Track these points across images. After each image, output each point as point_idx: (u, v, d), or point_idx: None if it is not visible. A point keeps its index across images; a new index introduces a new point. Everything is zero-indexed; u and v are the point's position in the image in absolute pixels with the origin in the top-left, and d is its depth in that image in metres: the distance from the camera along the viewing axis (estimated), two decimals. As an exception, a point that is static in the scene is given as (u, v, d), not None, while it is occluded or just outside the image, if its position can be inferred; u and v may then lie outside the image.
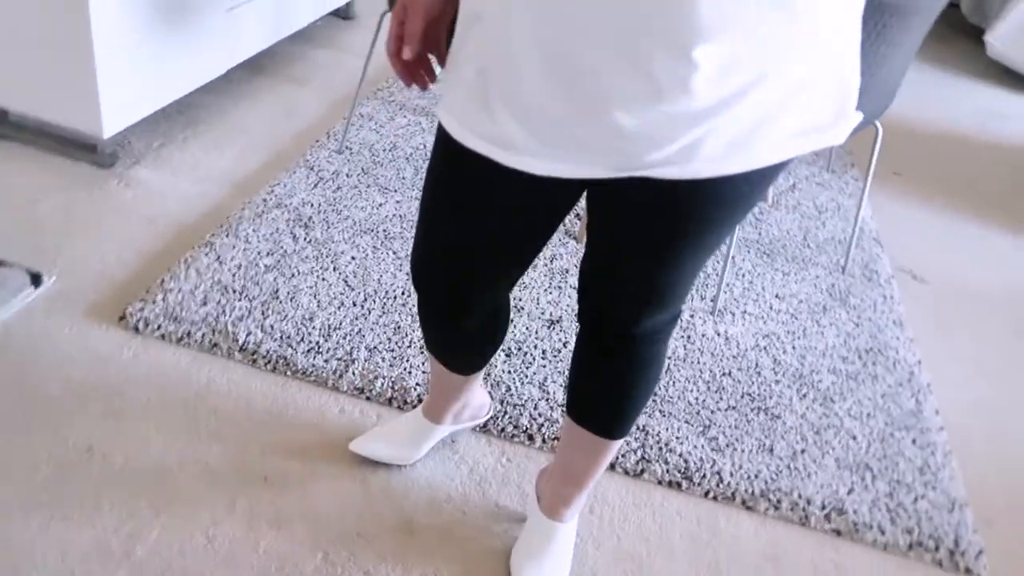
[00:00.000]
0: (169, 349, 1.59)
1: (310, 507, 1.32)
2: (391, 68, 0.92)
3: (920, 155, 3.13)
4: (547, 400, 1.60)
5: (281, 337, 1.63)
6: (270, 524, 1.29)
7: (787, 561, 1.39)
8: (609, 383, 1.11)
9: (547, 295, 1.90)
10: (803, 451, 1.60)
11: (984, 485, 1.63)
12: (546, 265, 2.00)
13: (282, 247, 1.90)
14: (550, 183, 0.88)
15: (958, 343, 2.06)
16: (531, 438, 1.52)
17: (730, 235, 0.91)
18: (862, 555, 1.43)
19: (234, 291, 1.73)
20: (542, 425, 1.54)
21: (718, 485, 1.49)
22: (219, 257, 1.83)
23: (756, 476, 1.52)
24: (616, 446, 1.19)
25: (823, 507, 1.48)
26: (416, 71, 0.93)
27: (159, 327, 1.61)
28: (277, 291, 1.76)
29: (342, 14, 3.37)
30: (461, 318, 1.09)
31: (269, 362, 1.58)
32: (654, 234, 0.92)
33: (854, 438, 1.65)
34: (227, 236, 1.90)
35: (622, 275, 0.98)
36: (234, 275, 1.78)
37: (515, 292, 1.88)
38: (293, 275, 1.81)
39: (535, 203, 0.95)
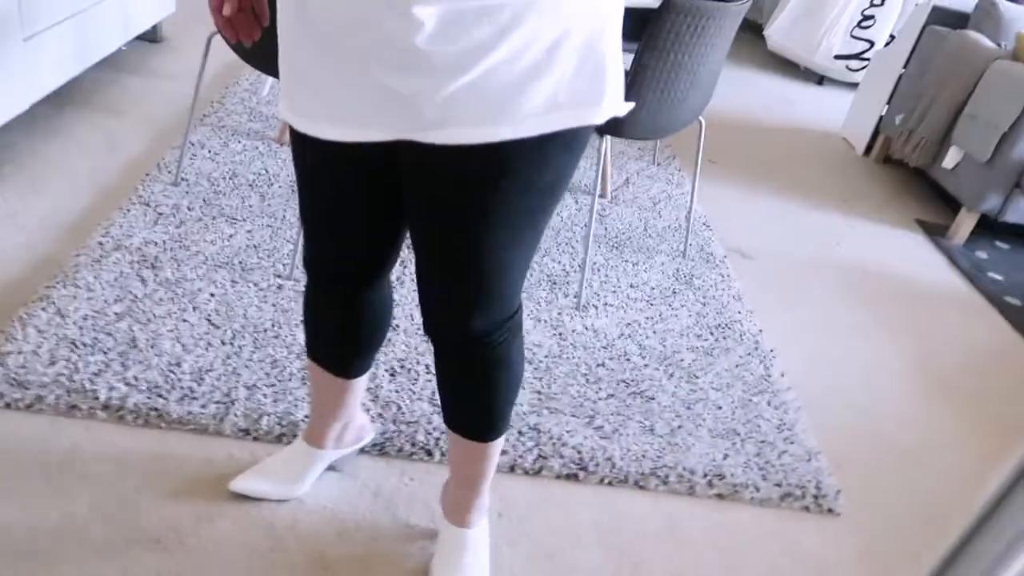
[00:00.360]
0: (18, 418, 1.44)
1: (215, 563, 1.25)
2: (216, 26, 0.95)
3: (727, 143, 3.44)
4: (439, 414, 1.61)
5: (148, 388, 1.53)
6: (173, 587, 1.21)
7: (683, 529, 1.50)
8: (460, 390, 1.15)
9: (419, 310, 1.91)
10: (680, 427, 1.72)
11: (831, 432, 1.84)
12: (412, 281, 2.01)
13: (131, 292, 1.77)
14: (360, 150, 0.97)
15: (790, 309, 2.30)
16: (429, 453, 1.53)
17: (531, 227, 0.96)
18: (744, 512, 1.57)
19: (85, 345, 1.60)
20: (438, 439, 1.55)
21: (611, 471, 1.57)
22: (59, 310, 1.67)
23: (643, 456, 1.62)
24: (492, 448, 1.21)
25: (705, 475, 1.61)
26: (239, 26, 0.97)
27: (1, 396, 1.45)
28: (134, 339, 1.64)
29: (149, 37, 3.18)
30: (349, 303, 1.17)
31: (139, 416, 1.47)
32: (447, 206, 0.95)
33: (720, 408, 1.80)
34: (65, 287, 1.74)
35: (434, 263, 1.02)
36: (81, 328, 1.64)
37: (388, 311, 1.87)
38: (149, 320, 1.70)
39: (359, 172, 1.02)
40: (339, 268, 1.14)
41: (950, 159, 3.02)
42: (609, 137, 2.13)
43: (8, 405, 1.45)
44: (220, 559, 1.26)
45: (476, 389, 1.14)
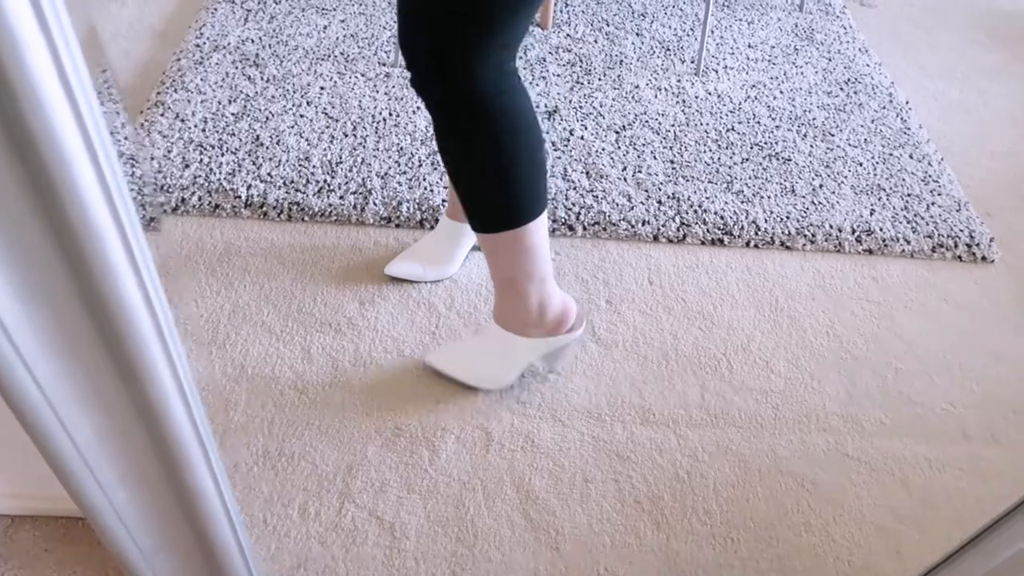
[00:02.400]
0: (168, 222, 1.45)
1: (387, 339, 1.29)
2: None
3: None
4: (575, 189, 1.57)
5: (284, 183, 1.52)
6: (353, 364, 1.26)
7: (834, 285, 1.48)
8: (445, 161, 1.02)
9: (534, 88, 1.81)
10: (821, 186, 1.65)
11: (976, 181, 1.74)
12: (521, 58, 1.90)
13: (242, 91, 1.72)
14: None
15: (919, 57, 2.12)
16: (572, 228, 1.51)
17: None
18: (894, 265, 1.53)
19: (212, 147, 1.58)
20: (579, 213, 1.52)
21: (756, 233, 1.53)
22: (178, 115, 1.64)
23: (787, 217, 1.57)
24: (488, 240, 1.05)
25: (853, 231, 1.56)
26: None
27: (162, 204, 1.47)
28: (258, 137, 1.61)
29: None
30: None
31: (282, 212, 1.48)
32: None
33: (860, 164, 1.71)
34: (175, 92, 1.70)
35: None
36: (204, 130, 1.61)
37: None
38: (268, 118, 1.66)
39: None
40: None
41: None
42: None
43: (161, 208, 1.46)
44: (391, 336, 1.30)
45: (445, 160, 1.01)
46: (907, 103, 1.91)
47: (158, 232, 1.43)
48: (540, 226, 1.05)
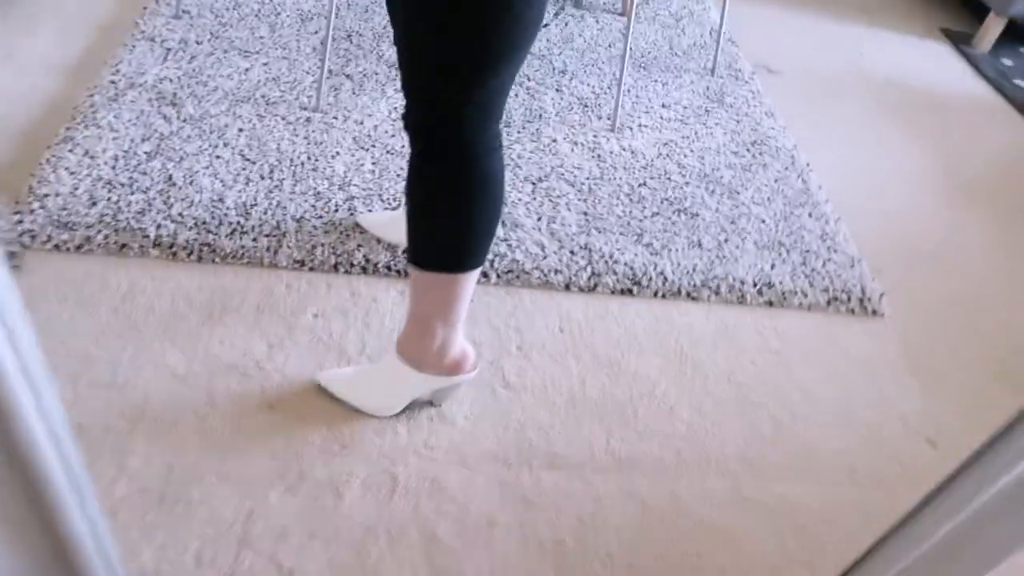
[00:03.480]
0: (71, 260, 1.42)
1: (293, 386, 1.28)
2: None
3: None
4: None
5: (196, 224, 1.50)
6: (259, 408, 1.24)
7: (736, 335, 1.54)
8: (410, 195, 1.05)
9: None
10: (726, 240, 1.73)
11: (869, 239, 1.85)
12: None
13: (157, 130, 1.70)
14: None
15: (820, 122, 2.26)
16: (485, 275, 1.53)
17: (423, 22, 0.90)
18: (793, 317, 1.61)
19: (122, 184, 1.55)
20: (493, 261, 1.55)
21: (664, 284, 1.59)
22: (87, 152, 1.61)
23: (694, 270, 1.63)
24: (418, 275, 1.08)
25: (754, 284, 1.63)
26: None
27: (49, 238, 1.43)
28: (171, 177, 1.59)
29: None
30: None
31: (192, 252, 1.46)
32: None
33: (763, 221, 1.80)
34: (87, 128, 1.67)
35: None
36: (114, 168, 1.58)
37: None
38: (182, 158, 1.64)
39: None
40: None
41: (979, -39, 2.87)
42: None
43: (57, 247, 1.42)
44: (299, 380, 1.29)
45: (410, 195, 1.04)
46: (808, 165, 2.02)
47: (19, 270, 1.38)
48: (472, 278, 1.09)
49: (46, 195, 1.50)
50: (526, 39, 0.93)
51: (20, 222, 1.43)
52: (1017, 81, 2.72)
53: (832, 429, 1.39)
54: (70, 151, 1.60)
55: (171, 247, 1.45)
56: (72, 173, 1.55)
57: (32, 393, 0.57)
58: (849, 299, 1.65)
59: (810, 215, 1.85)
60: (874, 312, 1.65)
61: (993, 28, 2.85)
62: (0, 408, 0.56)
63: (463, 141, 0.98)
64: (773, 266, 1.68)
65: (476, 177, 1.00)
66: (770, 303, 1.62)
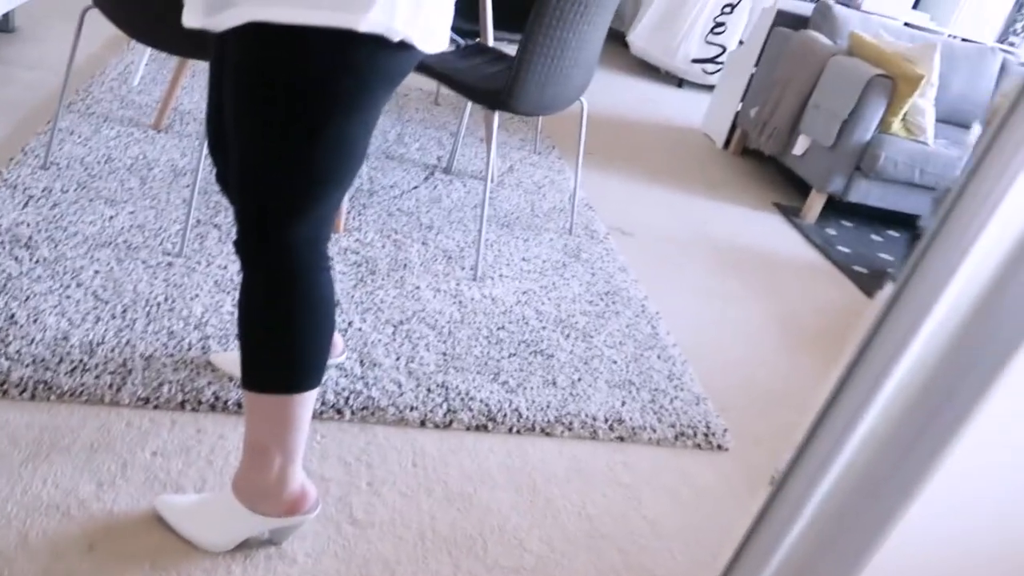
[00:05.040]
0: None
1: (123, 529, 1.20)
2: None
3: (601, 138, 3.62)
4: (346, 376, 1.62)
5: (34, 361, 1.45)
6: (78, 550, 1.15)
7: (588, 469, 1.58)
8: (241, 317, 1.07)
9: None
10: (579, 379, 1.80)
11: (713, 381, 1.98)
12: (309, 256, 1.99)
13: (5, 271, 1.66)
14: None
15: (669, 278, 2.45)
16: (339, 412, 1.53)
17: (264, 124, 0.96)
18: (643, 452, 1.67)
19: (-43, 323, 1.49)
20: (348, 398, 1.56)
21: (518, 420, 1.63)
22: (-76, 290, 1.55)
23: (548, 407, 1.69)
24: (257, 404, 1.08)
25: (606, 420, 1.70)
26: None
27: None
28: (13, 316, 1.54)
29: (1, 27, 2.98)
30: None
31: (25, 390, 1.39)
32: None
33: (615, 362, 1.90)
34: (-73, 267, 1.62)
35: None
36: (-49, 306, 1.53)
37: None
38: (28, 297, 1.60)
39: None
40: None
41: (799, 146, 3.31)
42: (497, 115, 2.20)
43: None
44: (128, 519, 1.21)
45: (241, 316, 1.06)
46: (657, 313, 2.18)
47: None
48: (307, 402, 1.09)
49: None
50: (355, 162, 1.02)
51: None
52: (841, 247, 3.06)
53: (680, 558, 1.42)
54: (-96, 289, 1.54)
55: (2, 384, 1.39)
56: (-98, 310, 1.49)
57: None
58: (695, 434, 1.73)
59: (659, 357, 1.97)
60: (719, 447, 1.73)
61: (816, 203, 3.23)
62: None
63: (293, 262, 1.02)
64: (624, 403, 1.76)
65: (306, 296, 1.04)
66: (621, 438, 1.68)
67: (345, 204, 2.15)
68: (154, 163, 2.27)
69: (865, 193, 3.17)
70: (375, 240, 2.16)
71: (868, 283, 2.79)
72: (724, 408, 1.88)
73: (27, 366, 1.43)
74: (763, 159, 3.89)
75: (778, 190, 3.54)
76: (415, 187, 2.55)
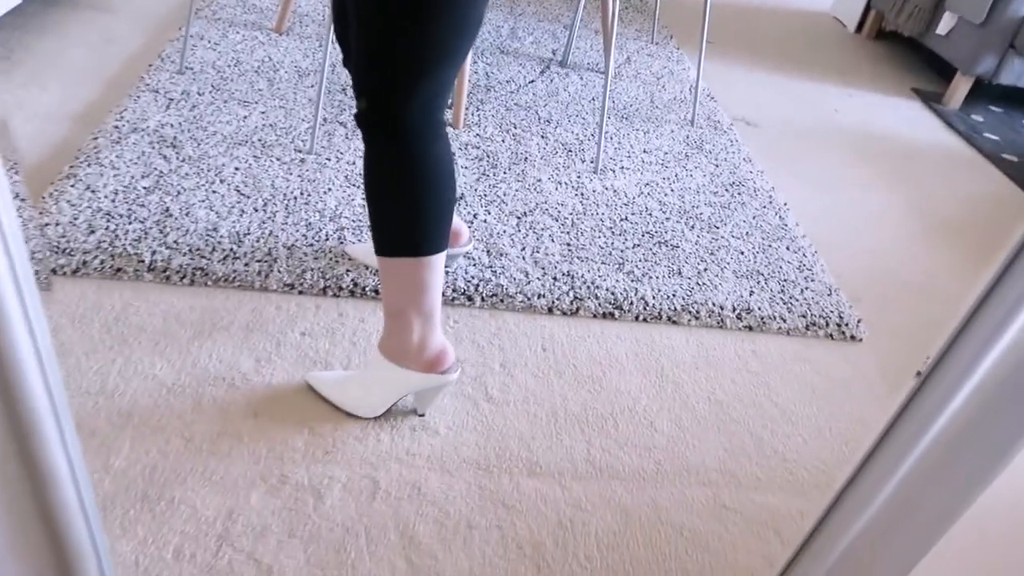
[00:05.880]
0: (67, 283, 1.46)
1: (279, 399, 1.30)
2: None
3: (722, 26, 3.42)
4: (475, 265, 1.65)
5: (190, 250, 1.55)
6: (244, 416, 1.26)
7: (716, 357, 1.57)
8: (368, 186, 1.13)
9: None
10: (705, 269, 1.78)
11: (846, 272, 1.90)
12: (431, 151, 2.02)
13: (156, 168, 1.77)
14: None
15: (797, 169, 2.34)
16: (470, 299, 1.57)
17: (375, 35, 1.01)
18: (772, 341, 1.64)
19: (120, 215, 1.61)
20: (477, 285, 1.60)
21: (644, 308, 1.63)
22: (88, 187, 1.68)
23: (674, 296, 1.68)
24: (389, 269, 1.15)
25: (734, 310, 1.67)
26: None
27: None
28: (168, 209, 1.65)
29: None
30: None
31: (185, 276, 1.50)
32: None
33: (742, 253, 1.86)
34: (89, 166, 1.74)
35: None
36: (113, 201, 1.65)
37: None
38: (179, 192, 1.71)
39: None
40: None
41: (944, 25, 3.03)
42: (614, 1, 2.11)
43: (54, 271, 1.47)
44: (284, 391, 1.31)
45: (368, 186, 1.11)
46: (785, 204, 2.09)
47: (48, 292, 1.43)
48: (436, 265, 1.14)
49: (46, 224, 1.55)
50: (467, 39, 1.04)
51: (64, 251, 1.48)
52: (987, 135, 2.83)
53: (812, 445, 1.41)
54: (72, 186, 1.67)
55: (165, 271, 1.50)
56: (72, 205, 1.62)
57: (39, 364, 0.61)
58: (827, 324, 1.69)
59: (788, 248, 1.91)
60: (852, 337, 1.68)
61: (961, 87, 2.98)
62: (15, 395, 0.61)
63: (410, 131, 1.06)
64: (752, 293, 1.73)
65: (425, 161, 1.08)
66: (749, 328, 1.65)
67: (464, 100, 2.15)
68: (279, 65, 2.32)
69: (1019, 74, 2.89)
70: (495, 135, 2.16)
71: (1019, 172, 2.57)
72: (858, 300, 1.82)
73: (184, 255, 1.54)
74: (900, 42, 3.60)
75: (917, 75, 3.28)
76: (531, 81, 2.51)
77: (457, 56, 1.05)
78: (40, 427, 0.67)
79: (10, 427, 0.65)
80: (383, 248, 1.14)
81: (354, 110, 1.09)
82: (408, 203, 1.11)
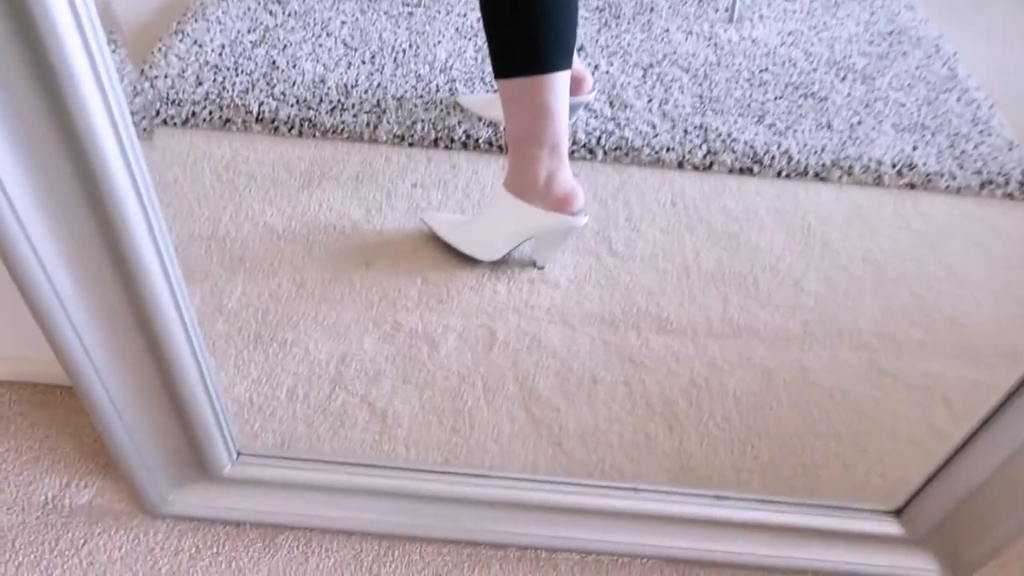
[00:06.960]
0: (176, 133, 1.42)
1: (392, 245, 1.23)
2: None
3: None
4: (596, 117, 1.51)
5: (298, 102, 1.48)
6: (356, 263, 1.20)
7: (872, 215, 1.38)
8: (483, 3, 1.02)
9: (559, 28, 1.77)
10: (859, 123, 1.56)
11: (1029, 129, 1.64)
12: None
13: (263, 23, 1.70)
14: None
15: (967, 18, 2.03)
16: (592, 152, 1.44)
17: None
18: (939, 200, 1.43)
19: (228, 68, 1.55)
20: (599, 138, 1.46)
21: (788, 163, 1.45)
22: (196, 41, 1.62)
23: (822, 150, 1.48)
24: (507, 92, 1.05)
25: (894, 165, 1.46)
26: None
27: (157, 113, 1.44)
28: (274, 62, 1.58)
29: None
30: None
31: (292, 127, 1.44)
32: None
33: (903, 105, 1.62)
34: (196, 21, 1.68)
35: None
36: (220, 54, 1.59)
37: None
38: (286, 46, 1.63)
39: None
40: None
41: None
42: None
43: (165, 122, 1.44)
44: (395, 240, 1.24)
45: (481, 9, 1.02)
46: (955, 54, 1.81)
47: (150, 141, 1.40)
48: (557, 88, 1.02)
49: (156, 77, 1.52)
50: None
51: (174, 102, 1.46)
52: None
53: (986, 309, 1.22)
54: (180, 41, 1.62)
55: (273, 122, 1.44)
56: (180, 59, 1.57)
57: (145, 220, 0.63)
58: (1007, 183, 1.46)
59: (958, 100, 1.65)
60: (1036, 198, 1.44)
61: None
62: (118, 227, 0.62)
63: None
64: (915, 148, 1.51)
65: None
66: (911, 185, 1.45)
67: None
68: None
69: None
70: (617, -16, 1.96)
71: None
72: (1042, 158, 1.56)
73: (292, 106, 1.47)
74: None
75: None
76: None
77: None
78: (142, 261, 0.65)
79: (113, 261, 0.63)
80: (501, 69, 1.03)
81: None
82: (526, 17, 0.99)
